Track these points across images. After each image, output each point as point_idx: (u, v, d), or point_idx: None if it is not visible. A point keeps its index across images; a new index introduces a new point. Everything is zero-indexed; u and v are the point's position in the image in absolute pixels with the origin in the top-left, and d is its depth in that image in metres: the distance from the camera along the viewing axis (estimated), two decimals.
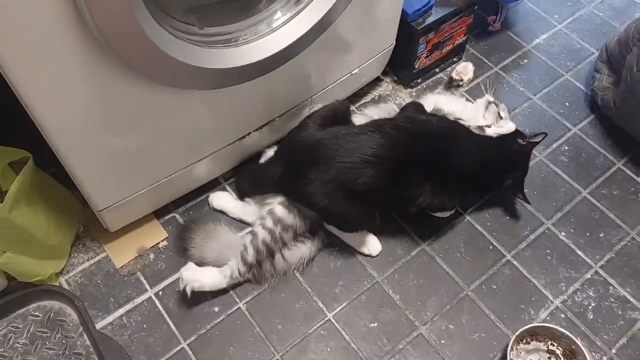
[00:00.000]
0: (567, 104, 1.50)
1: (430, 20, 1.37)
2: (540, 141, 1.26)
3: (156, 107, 0.98)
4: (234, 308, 1.15)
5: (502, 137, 1.25)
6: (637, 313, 1.17)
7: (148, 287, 1.17)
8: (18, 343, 1.09)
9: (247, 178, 1.28)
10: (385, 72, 1.51)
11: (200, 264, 1.14)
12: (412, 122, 1.19)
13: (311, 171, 1.08)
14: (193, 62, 0.92)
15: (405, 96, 1.50)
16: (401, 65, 1.49)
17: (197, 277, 1.10)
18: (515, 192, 1.27)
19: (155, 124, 1.02)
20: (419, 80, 1.53)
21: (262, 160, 1.28)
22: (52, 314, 1.12)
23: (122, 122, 0.96)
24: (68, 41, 0.78)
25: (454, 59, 1.57)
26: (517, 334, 1.08)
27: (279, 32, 1.03)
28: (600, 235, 1.28)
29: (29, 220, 1.02)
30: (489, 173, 1.22)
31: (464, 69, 1.49)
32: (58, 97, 0.85)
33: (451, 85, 1.49)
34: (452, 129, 1.22)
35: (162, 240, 1.23)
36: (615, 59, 1.41)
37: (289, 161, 1.16)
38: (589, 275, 1.22)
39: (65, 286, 1.16)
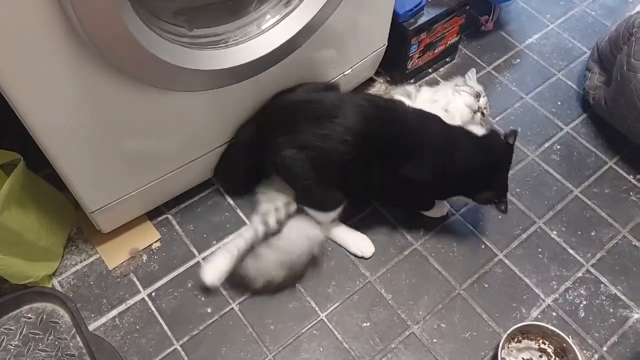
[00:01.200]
0: (559, 103, 1.50)
1: (422, 20, 1.37)
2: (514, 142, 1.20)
3: (146, 109, 0.99)
4: (227, 309, 1.15)
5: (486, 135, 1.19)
6: (628, 311, 1.18)
7: (141, 289, 1.17)
8: (11, 345, 1.09)
9: (225, 170, 1.27)
10: (378, 73, 1.51)
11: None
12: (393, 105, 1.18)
13: (282, 134, 1.09)
14: (183, 64, 0.93)
15: (398, 96, 1.51)
16: (394, 66, 1.49)
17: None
18: (493, 199, 1.17)
19: (146, 126, 1.02)
20: (411, 81, 1.53)
21: None
22: (44, 316, 1.13)
23: (111, 124, 0.96)
24: (56, 44, 0.78)
25: (447, 59, 1.57)
26: (508, 332, 1.08)
27: (269, 34, 1.03)
28: (592, 233, 1.28)
29: (20, 222, 1.02)
30: (465, 169, 1.15)
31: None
32: (47, 100, 0.85)
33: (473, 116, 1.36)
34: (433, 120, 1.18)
35: (155, 242, 1.23)
36: (606, 58, 1.41)
37: (262, 123, 1.16)
38: (580, 274, 1.23)
39: (58, 288, 1.17)
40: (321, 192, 1.14)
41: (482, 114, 1.33)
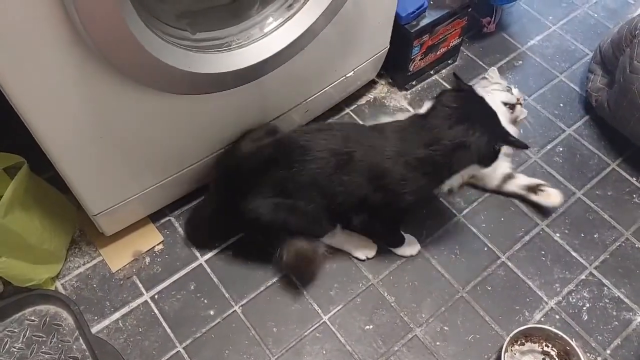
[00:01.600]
0: (561, 105, 1.50)
1: (424, 22, 1.37)
2: None
3: (149, 112, 0.99)
4: (230, 311, 1.15)
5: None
6: (631, 314, 1.18)
7: (144, 291, 1.18)
8: (14, 347, 1.09)
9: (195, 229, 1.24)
10: (380, 75, 1.51)
11: None
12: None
13: (251, 185, 1.06)
14: (186, 67, 0.93)
15: (400, 98, 1.51)
16: (396, 68, 1.49)
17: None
18: (490, 147, 1.04)
19: (149, 129, 1.02)
20: (413, 83, 1.53)
21: None
22: (48, 318, 1.13)
23: (115, 127, 0.97)
24: (59, 48, 0.79)
25: (449, 61, 1.57)
26: (511, 335, 1.08)
27: (272, 37, 1.03)
28: (595, 236, 1.28)
29: (23, 225, 1.03)
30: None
31: (551, 196, 1.30)
32: (50, 103, 0.85)
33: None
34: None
35: (157, 244, 1.23)
36: (608, 60, 1.41)
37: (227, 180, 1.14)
38: (583, 276, 1.22)
39: (61, 290, 1.17)
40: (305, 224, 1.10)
41: (520, 104, 1.33)
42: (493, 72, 1.42)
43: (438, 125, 1.03)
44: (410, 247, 1.23)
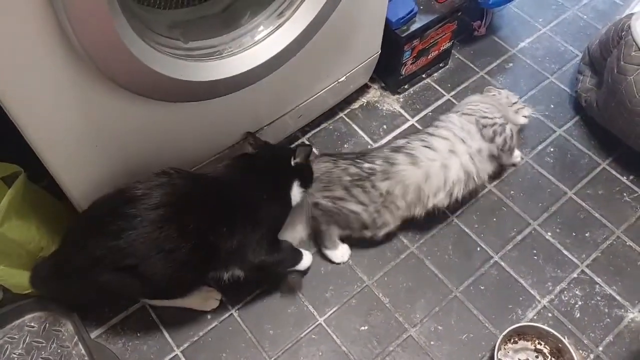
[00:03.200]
0: (552, 106, 1.52)
1: (414, 27, 1.39)
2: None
3: (144, 121, 1.01)
4: (226, 315, 1.17)
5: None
6: (622, 311, 1.19)
7: None
8: (14, 353, 1.11)
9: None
10: (372, 79, 1.53)
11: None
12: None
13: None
14: (179, 75, 0.95)
15: (393, 102, 1.53)
16: (388, 72, 1.51)
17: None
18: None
19: (144, 137, 1.04)
20: (406, 86, 1.55)
21: None
22: (47, 324, 1.14)
23: (110, 135, 0.98)
24: (53, 58, 0.80)
25: (440, 65, 1.59)
26: (504, 333, 1.10)
27: (263, 44, 1.06)
28: (586, 234, 1.30)
29: (21, 234, 1.04)
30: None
31: None
32: (46, 114, 0.87)
33: None
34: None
35: None
36: (597, 61, 1.43)
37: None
38: (575, 275, 1.24)
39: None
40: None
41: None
42: (496, 91, 1.40)
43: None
44: (306, 259, 1.18)
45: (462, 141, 1.22)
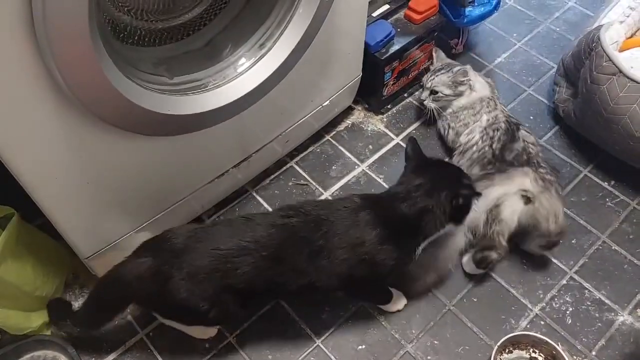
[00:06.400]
0: (531, 117, 1.56)
1: (393, 49, 1.44)
2: None
3: (133, 156, 1.03)
4: (224, 342, 1.18)
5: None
6: (613, 314, 1.22)
7: (139, 329, 1.20)
8: None
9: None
10: (356, 101, 1.57)
11: None
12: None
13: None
14: (167, 110, 0.97)
15: (377, 122, 1.56)
16: (370, 94, 1.55)
17: None
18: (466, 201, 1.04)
19: (134, 172, 1.06)
20: (389, 107, 1.59)
21: None
22: None
23: (101, 172, 1.00)
24: (40, 100, 0.82)
25: (421, 83, 1.63)
26: (498, 344, 1.11)
27: (246, 75, 1.08)
28: (573, 241, 1.32)
29: (16, 275, 1.05)
30: None
31: None
32: (36, 153, 0.89)
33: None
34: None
35: None
36: (571, 72, 1.48)
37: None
38: (564, 282, 1.26)
39: (57, 334, 1.18)
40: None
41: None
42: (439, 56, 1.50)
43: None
44: (397, 302, 1.21)
45: None
